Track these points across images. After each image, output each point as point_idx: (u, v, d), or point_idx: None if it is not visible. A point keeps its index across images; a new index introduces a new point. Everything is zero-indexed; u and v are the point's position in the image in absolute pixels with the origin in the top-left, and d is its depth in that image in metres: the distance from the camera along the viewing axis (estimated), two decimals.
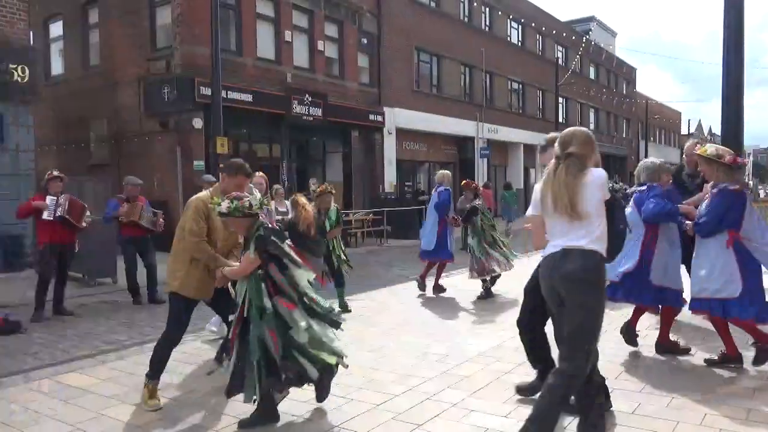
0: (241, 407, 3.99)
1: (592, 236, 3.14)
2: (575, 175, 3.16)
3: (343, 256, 7.30)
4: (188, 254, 4.04)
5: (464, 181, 8.77)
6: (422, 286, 8.28)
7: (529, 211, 3.47)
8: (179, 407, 4.04)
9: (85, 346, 5.99)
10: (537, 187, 3.40)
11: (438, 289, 8.34)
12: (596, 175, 3.19)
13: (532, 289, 3.99)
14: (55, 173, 7.54)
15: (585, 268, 3.11)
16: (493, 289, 8.12)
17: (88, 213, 7.64)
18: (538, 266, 3.50)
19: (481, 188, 8.82)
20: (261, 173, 6.76)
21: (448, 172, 8.80)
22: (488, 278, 7.96)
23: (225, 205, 3.63)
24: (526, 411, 3.77)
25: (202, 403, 4.08)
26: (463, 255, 8.49)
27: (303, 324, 3.56)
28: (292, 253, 3.74)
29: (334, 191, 7.52)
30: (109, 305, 8.20)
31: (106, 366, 5.02)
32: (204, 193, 4.18)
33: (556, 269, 3.19)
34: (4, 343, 6.09)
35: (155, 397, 4.03)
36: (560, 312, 3.28)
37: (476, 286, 8.37)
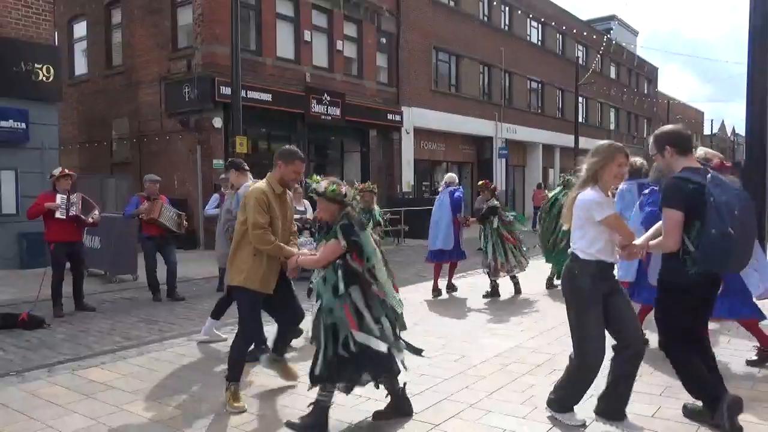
0: (256, 403, 4.02)
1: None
2: None
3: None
4: (251, 247, 3.97)
5: (482, 181, 8.73)
6: (439, 292, 8.21)
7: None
8: (197, 403, 4.08)
9: (107, 341, 6.07)
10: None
11: (451, 287, 8.36)
12: (586, 199, 3.42)
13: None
14: (66, 171, 7.48)
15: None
16: (510, 290, 8.09)
17: (96, 211, 7.57)
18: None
19: (497, 188, 8.73)
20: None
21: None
22: (499, 279, 7.97)
23: (324, 185, 3.62)
24: (543, 412, 3.76)
25: (218, 400, 4.11)
26: (479, 255, 8.44)
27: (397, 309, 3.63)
28: (375, 244, 3.64)
29: (376, 190, 7.45)
30: (130, 302, 8.30)
31: (126, 362, 5.09)
32: (261, 184, 4.10)
33: None
34: (28, 338, 6.22)
35: (239, 400, 3.95)
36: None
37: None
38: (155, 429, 3.65)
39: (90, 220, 7.44)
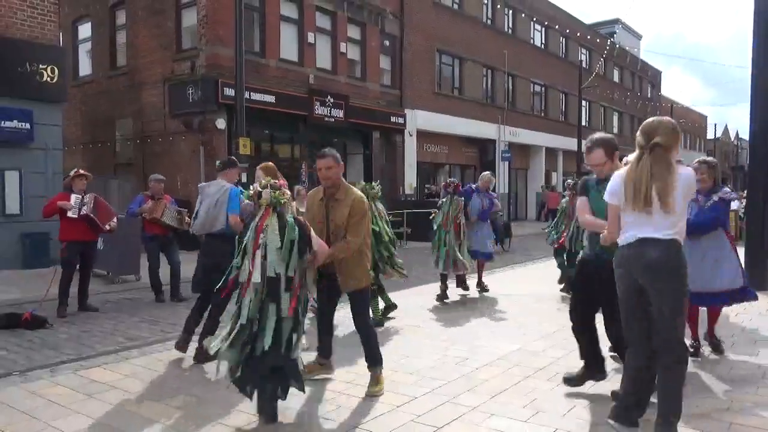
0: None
1: (675, 228, 3.20)
2: (663, 166, 3.17)
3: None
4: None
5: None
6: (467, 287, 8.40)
7: (607, 199, 3.47)
8: (200, 403, 4.07)
9: (109, 342, 6.08)
10: (618, 175, 3.41)
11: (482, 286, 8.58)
12: (684, 174, 3.22)
13: (583, 283, 4.14)
14: (81, 171, 7.58)
15: (668, 257, 3.18)
16: (516, 291, 8.09)
17: (114, 219, 7.64)
18: (584, 262, 3.62)
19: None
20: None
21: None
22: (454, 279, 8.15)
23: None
24: (546, 416, 3.76)
25: (221, 401, 4.11)
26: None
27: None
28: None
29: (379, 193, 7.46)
30: (132, 302, 8.31)
31: (129, 362, 5.09)
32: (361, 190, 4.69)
33: (637, 259, 3.24)
34: (31, 337, 6.22)
35: (382, 382, 4.28)
36: (639, 301, 3.32)
37: (498, 289, 8.36)
38: (157, 429, 3.65)
39: (107, 228, 7.51)
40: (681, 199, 3.19)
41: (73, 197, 7.28)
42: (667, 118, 3.42)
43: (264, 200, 3.70)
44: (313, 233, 3.88)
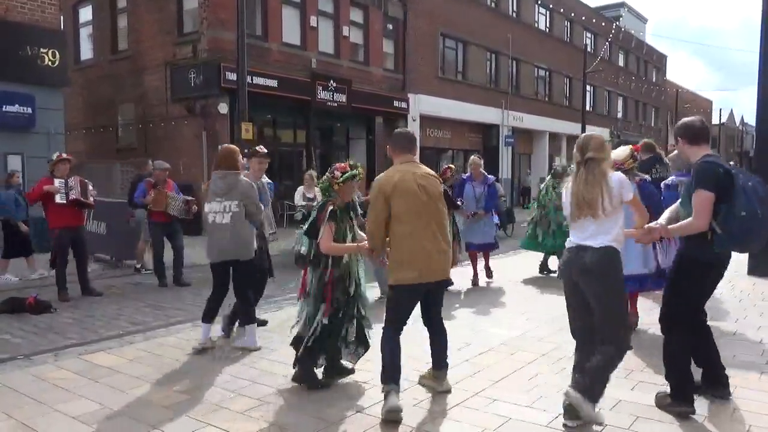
0: (262, 389, 4.03)
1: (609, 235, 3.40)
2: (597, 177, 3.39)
3: None
4: None
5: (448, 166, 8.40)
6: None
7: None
8: (202, 387, 4.09)
9: (113, 326, 6.10)
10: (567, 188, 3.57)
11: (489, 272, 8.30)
12: (615, 178, 3.41)
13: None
14: (63, 155, 7.45)
15: (600, 263, 3.39)
16: (518, 276, 8.06)
17: (90, 187, 7.57)
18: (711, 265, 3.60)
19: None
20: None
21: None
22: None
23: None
24: (549, 401, 3.76)
25: (224, 385, 4.13)
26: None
27: None
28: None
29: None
30: (136, 287, 8.33)
31: (132, 347, 5.11)
32: None
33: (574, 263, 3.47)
34: (35, 322, 6.25)
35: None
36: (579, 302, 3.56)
37: (502, 275, 8.34)
38: (161, 413, 3.67)
39: (90, 200, 7.45)
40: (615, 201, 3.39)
41: (57, 182, 7.17)
42: (596, 134, 3.69)
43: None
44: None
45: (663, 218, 3.72)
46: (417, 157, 4.05)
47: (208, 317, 5.01)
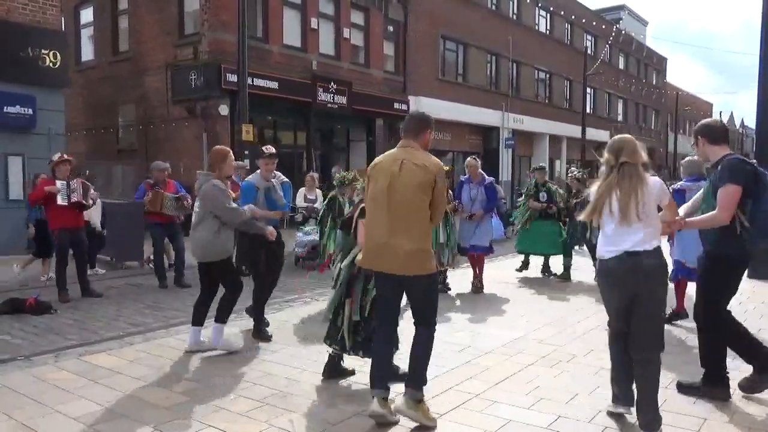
0: (262, 390, 4.03)
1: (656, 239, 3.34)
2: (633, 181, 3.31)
3: None
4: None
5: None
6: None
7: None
8: (202, 389, 4.09)
9: (113, 327, 6.10)
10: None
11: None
12: (656, 184, 3.36)
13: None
14: (64, 156, 7.40)
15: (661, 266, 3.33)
16: (518, 278, 8.06)
17: (91, 190, 7.57)
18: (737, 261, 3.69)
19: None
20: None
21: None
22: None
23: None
24: (549, 403, 3.76)
25: (224, 386, 4.13)
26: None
27: None
28: None
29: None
30: (136, 288, 8.33)
31: (133, 348, 5.10)
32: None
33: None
34: (36, 323, 6.24)
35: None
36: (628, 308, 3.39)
37: (501, 278, 8.34)
38: (160, 414, 3.67)
39: (90, 202, 7.45)
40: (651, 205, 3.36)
41: (59, 183, 7.13)
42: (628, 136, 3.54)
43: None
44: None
45: (681, 212, 3.82)
46: (423, 141, 3.62)
47: (197, 321, 5.00)
